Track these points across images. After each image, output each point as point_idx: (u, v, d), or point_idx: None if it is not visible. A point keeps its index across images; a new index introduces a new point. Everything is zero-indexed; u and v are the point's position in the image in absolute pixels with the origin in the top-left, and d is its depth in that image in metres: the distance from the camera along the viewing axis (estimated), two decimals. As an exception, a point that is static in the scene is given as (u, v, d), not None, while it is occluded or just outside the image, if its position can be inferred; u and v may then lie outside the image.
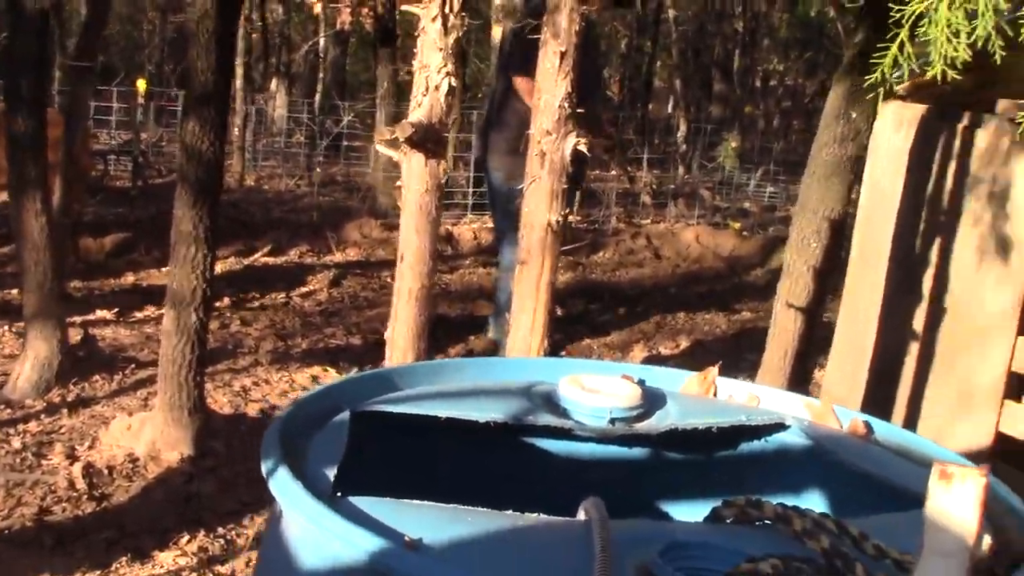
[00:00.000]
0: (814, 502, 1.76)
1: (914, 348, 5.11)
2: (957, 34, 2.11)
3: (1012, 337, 4.60)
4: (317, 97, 17.77)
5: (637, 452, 1.80)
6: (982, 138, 4.84)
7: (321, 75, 19.64)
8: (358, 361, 6.65)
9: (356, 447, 1.48)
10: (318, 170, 14.67)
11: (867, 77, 4.42)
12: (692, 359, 7.17)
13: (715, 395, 1.99)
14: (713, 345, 7.62)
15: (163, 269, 8.93)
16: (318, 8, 13.31)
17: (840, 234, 4.73)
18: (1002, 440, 4.63)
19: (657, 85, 25.06)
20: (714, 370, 1.99)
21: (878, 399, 4.92)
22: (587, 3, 3.28)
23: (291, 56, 20.68)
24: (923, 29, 2.15)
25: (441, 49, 3.16)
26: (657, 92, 25.20)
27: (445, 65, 3.17)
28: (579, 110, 3.32)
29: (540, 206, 3.32)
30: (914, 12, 2.17)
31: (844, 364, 5.55)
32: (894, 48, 2.24)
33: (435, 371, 1.85)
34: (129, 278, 8.70)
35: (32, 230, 5.39)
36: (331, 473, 1.37)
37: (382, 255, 10.14)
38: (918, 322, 5.09)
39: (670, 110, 22.67)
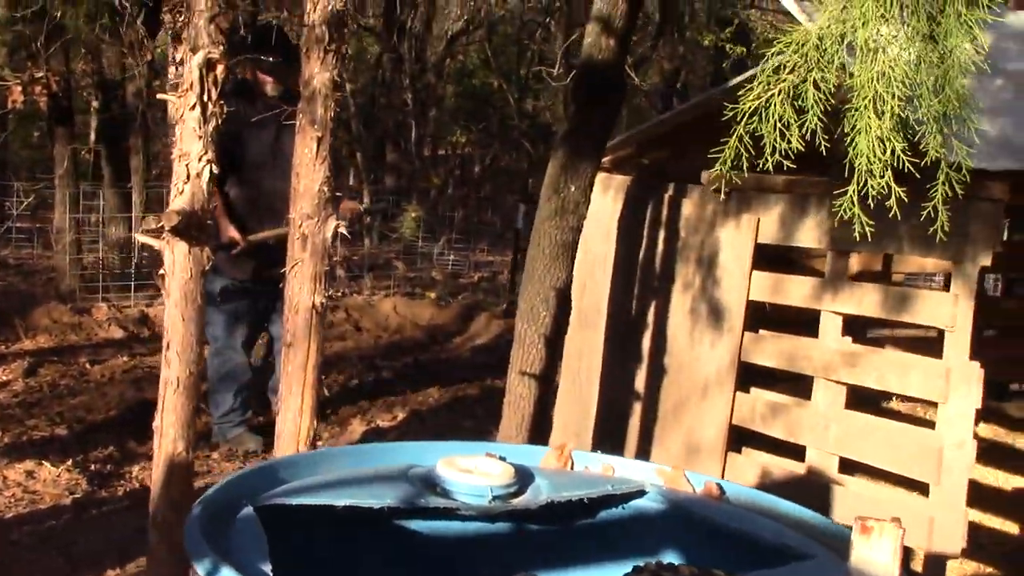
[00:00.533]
0: (680, 560, 1.87)
1: (638, 407, 5.39)
2: (788, 127, 2.30)
3: (731, 393, 4.94)
4: (-16, 178, 16.91)
5: (515, 526, 1.87)
6: (688, 207, 5.20)
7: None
8: (68, 452, 6.39)
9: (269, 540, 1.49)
10: (-14, 254, 13.97)
11: (580, 149, 4.68)
12: (411, 430, 7.25)
13: (572, 467, 2.09)
14: (430, 415, 7.74)
15: None
16: (-13, 87, 12.68)
17: (566, 302, 4.94)
18: (729, 488, 4.93)
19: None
20: (570, 445, 2.08)
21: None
22: (339, 90, 3.35)
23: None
24: (753, 124, 2.33)
25: (201, 137, 3.15)
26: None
27: (205, 152, 3.16)
28: (337, 193, 3.37)
29: (304, 288, 3.35)
30: (748, 109, 2.35)
31: (568, 426, 5.78)
32: (733, 142, 2.41)
33: (313, 461, 1.87)
34: None
35: None
36: (266, 568, 1.39)
37: (75, 340, 9.76)
38: (640, 382, 5.39)
39: (351, 182, 22.79)
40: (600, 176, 5.60)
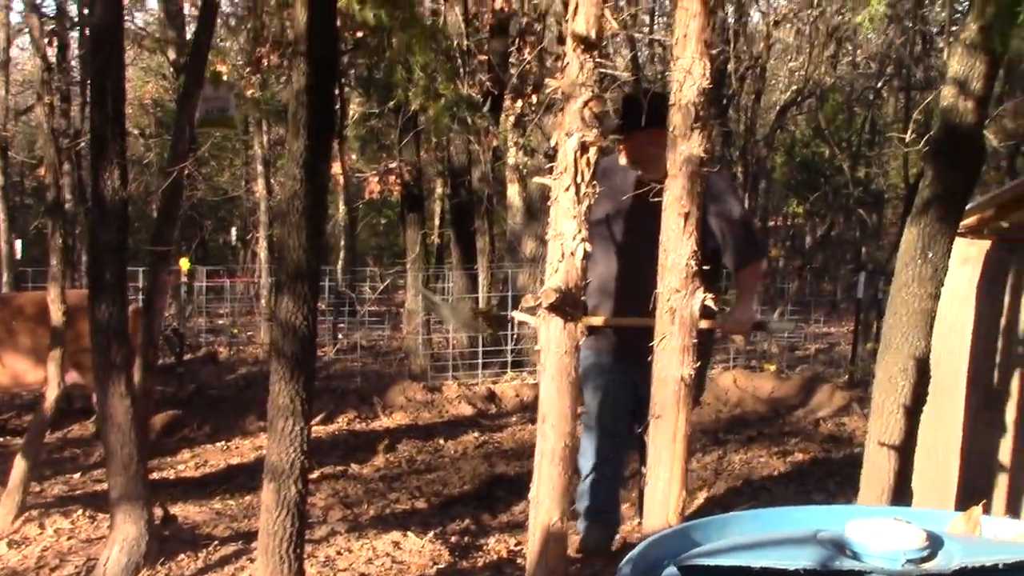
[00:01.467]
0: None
1: (1003, 478, 5.18)
2: None
3: (1111, 464, 4.69)
4: (340, 264, 18.02)
5: (929, 591, 1.89)
6: (1054, 270, 5.00)
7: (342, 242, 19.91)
8: (429, 524, 6.69)
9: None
10: (340, 336, 14.83)
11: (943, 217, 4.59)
12: (760, 505, 7.20)
13: (982, 532, 2.08)
14: (777, 489, 7.66)
15: (217, 444, 9.00)
16: (341, 180, 13.62)
17: (925, 371, 4.82)
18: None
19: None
20: (978, 509, 2.08)
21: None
22: (707, 165, 3.44)
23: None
24: None
25: (575, 217, 3.30)
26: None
27: (579, 232, 3.31)
28: (705, 267, 3.46)
29: (672, 361, 3.43)
30: None
31: (925, 501, 5.61)
32: None
33: (723, 525, 1.96)
34: (185, 455, 8.76)
35: (118, 413, 5.46)
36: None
37: (428, 418, 10.23)
38: (1004, 455, 5.18)
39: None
40: (958, 241, 5.46)
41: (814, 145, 21.83)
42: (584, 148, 3.21)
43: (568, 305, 3.32)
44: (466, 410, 10.50)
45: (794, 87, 20.40)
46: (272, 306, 4.96)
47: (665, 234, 3.40)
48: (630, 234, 5.45)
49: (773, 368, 12.39)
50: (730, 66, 18.22)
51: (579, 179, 3.24)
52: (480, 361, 11.77)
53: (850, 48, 20.98)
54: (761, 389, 11.27)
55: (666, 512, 3.53)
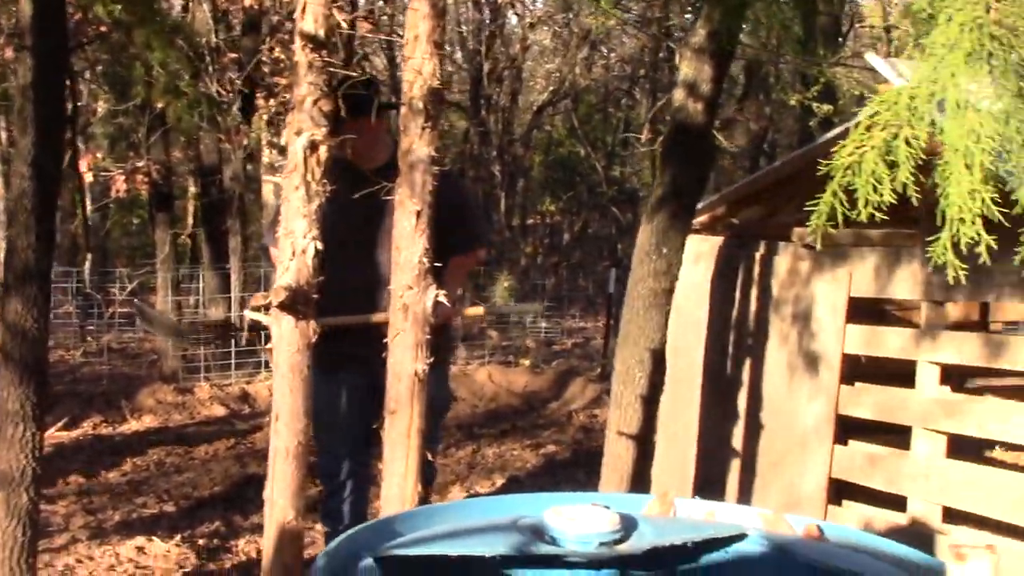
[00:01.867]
0: (783, 603, 1.95)
1: (736, 463, 5.42)
2: (881, 181, 2.39)
3: (829, 446, 4.96)
4: (87, 265, 17.40)
5: (621, 572, 1.96)
6: (781, 264, 5.26)
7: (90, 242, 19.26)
8: (176, 528, 6.54)
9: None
10: (89, 339, 14.35)
11: (678, 212, 4.77)
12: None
13: (675, 514, 2.17)
14: (528, 480, 7.80)
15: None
16: (89, 177, 13.18)
17: (661, 362, 5.00)
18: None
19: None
20: (672, 492, 2.16)
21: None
22: (437, 164, 3.48)
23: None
24: (847, 178, 2.43)
25: (305, 216, 3.29)
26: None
27: (310, 230, 3.30)
28: (437, 264, 3.50)
29: (406, 356, 3.46)
30: (843, 164, 2.45)
31: (667, 484, 5.81)
32: (828, 196, 2.50)
33: (428, 515, 1.98)
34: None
35: None
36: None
37: (179, 420, 10.01)
38: (738, 439, 5.42)
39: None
40: (692, 238, 5.68)
41: (570, 145, 22.30)
42: (314, 146, 3.20)
43: (299, 303, 3.31)
44: (218, 411, 10.31)
45: (551, 88, 20.80)
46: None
47: (397, 232, 3.42)
48: (360, 233, 5.22)
49: (528, 363, 12.60)
50: (487, 67, 18.48)
51: (309, 177, 3.23)
52: (233, 361, 11.56)
53: (604, 51, 21.52)
54: (516, 383, 11.45)
55: (402, 506, 3.56)
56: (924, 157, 2.47)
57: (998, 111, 2.35)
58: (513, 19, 20.26)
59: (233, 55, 11.23)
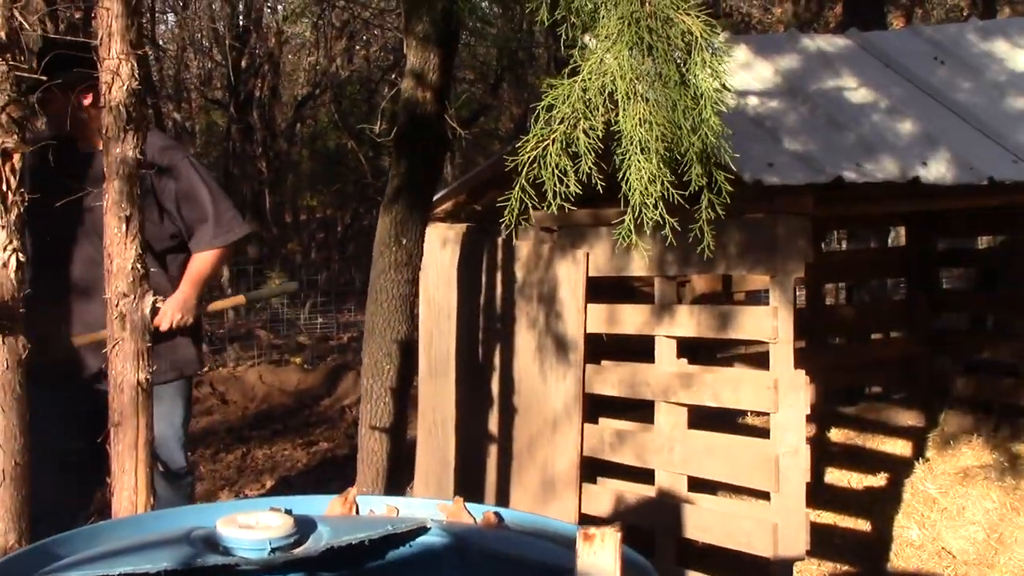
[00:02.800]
0: (465, 593, 1.95)
1: (494, 449, 5.46)
2: (566, 173, 2.42)
3: (579, 425, 5.04)
4: None
5: (300, 576, 1.92)
6: (523, 248, 5.31)
7: None
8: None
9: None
10: None
11: (414, 203, 4.76)
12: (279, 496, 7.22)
13: (357, 512, 2.14)
14: (297, 480, 7.71)
15: None
16: None
17: (410, 353, 4.99)
18: (584, 520, 5.04)
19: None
20: (353, 490, 2.14)
21: (468, 500, 5.19)
22: (143, 167, 3.38)
23: None
24: (534, 171, 2.46)
25: (3, 227, 3.14)
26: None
27: (10, 242, 3.16)
28: (152, 269, 3.40)
29: (128, 366, 3.35)
30: (528, 159, 2.47)
31: (429, 476, 5.83)
32: (516, 192, 2.53)
33: (93, 535, 1.89)
34: None
35: None
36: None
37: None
38: (493, 424, 5.46)
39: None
40: (437, 226, 5.69)
41: (335, 137, 22.10)
42: (6, 155, 3.06)
43: (4, 318, 3.16)
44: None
45: (313, 81, 20.60)
46: None
47: (107, 238, 3.30)
48: (72, 229, 4.81)
49: (299, 360, 12.45)
50: (244, 62, 18.16)
51: (4, 188, 3.08)
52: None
53: (365, 39, 21.41)
54: (288, 382, 11.30)
55: (138, 522, 3.45)
56: (604, 145, 2.53)
57: (664, 99, 2.42)
58: (268, 12, 19.98)
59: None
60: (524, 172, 2.58)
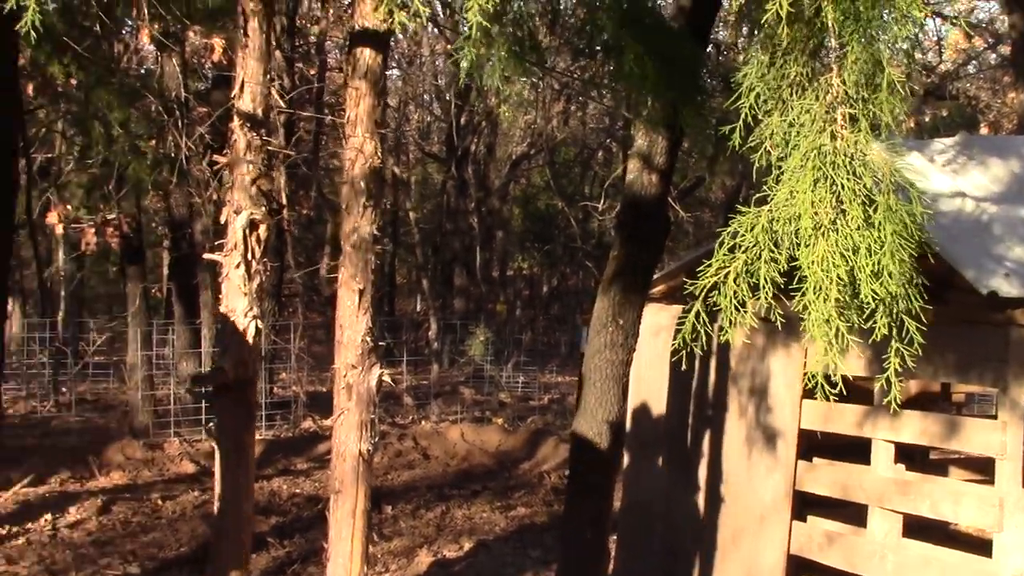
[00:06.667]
0: None
1: (697, 534, 5.36)
2: (744, 304, 2.40)
3: (787, 522, 4.91)
4: (60, 315, 17.32)
5: None
6: (738, 337, 5.21)
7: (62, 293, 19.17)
8: (138, 591, 6.49)
9: None
10: (64, 390, 14.26)
11: (632, 286, 4.74)
12: (478, 561, 7.25)
13: None
14: (496, 545, 7.72)
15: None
16: (60, 229, 13.10)
17: (619, 433, 4.95)
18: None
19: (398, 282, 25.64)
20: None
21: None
22: (379, 243, 3.45)
23: (22, 274, 20.10)
24: (714, 297, 2.45)
25: (246, 294, 3.25)
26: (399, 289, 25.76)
27: (251, 309, 3.26)
28: (380, 343, 3.46)
29: (351, 436, 3.41)
30: (706, 285, 2.45)
31: (631, 548, 5.77)
32: (691, 318, 2.51)
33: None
34: None
35: None
36: None
37: (147, 476, 9.90)
38: (699, 509, 5.37)
39: (417, 307, 23.10)
40: (651, 307, 5.64)
41: (547, 198, 22.32)
42: (253, 225, 3.17)
43: (240, 382, 3.26)
44: (188, 468, 10.21)
45: (528, 141, 20.85)
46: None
47: (341, 310, 3.38)
48: None
49: (501, 421, 12.53)
50: (462, 119, 18.51)
51: (249, 256, 3.20)
52: (203, 417, 11.48)
53: (582, 102, 21.59)
54: (488, 442, 11.37)
55: (348, 589, 3.50)
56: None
57: (846, 240, 2.36)
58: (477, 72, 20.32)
59: (203, 108, 11.21)
60: (702, 296, 2.55)
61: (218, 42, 8.33)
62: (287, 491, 9.27)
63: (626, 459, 5.87)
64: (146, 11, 6.04)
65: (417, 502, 9.00)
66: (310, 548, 7.54)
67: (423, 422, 12.44)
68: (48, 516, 8.31)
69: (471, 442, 11.34)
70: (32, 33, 2.71)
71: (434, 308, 19.21)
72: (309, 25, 12.79)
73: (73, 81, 7.63)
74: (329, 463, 9.70)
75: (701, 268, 2.57)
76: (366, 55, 3.26)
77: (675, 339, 2.65)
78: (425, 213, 23.03)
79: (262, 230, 3.21)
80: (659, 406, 5.68)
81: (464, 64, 2.78)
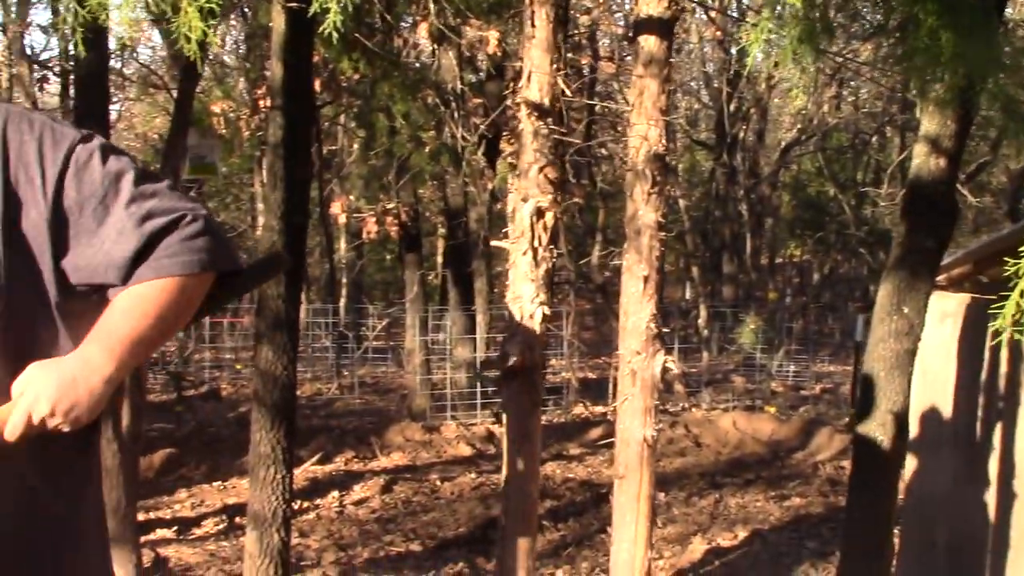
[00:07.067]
0: None
1: (987, 532, 5.16)
2: None
3: (1088, 521, 4.66)
4: (343, 301, 18.05)
5: None
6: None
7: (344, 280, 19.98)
8: (422, 567, 6.70)
9: None
10: (346, 373, 14.86)
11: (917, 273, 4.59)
12: (753, 551, 7.18)
13: None
14: (772, 535, 7.62)
15: (214, 484, 9.01)
16: (342, 219, 13.68)
17: (904, 426, 4.81)
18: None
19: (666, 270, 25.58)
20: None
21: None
22: (664, 229, 3.46)
23: (306, 261, 21.02)
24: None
25: (533, 280, 3.31)
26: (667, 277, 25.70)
27: (537, 295, 3.32)
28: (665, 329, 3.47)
29: (635, 422, 3.44)
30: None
31: (913, 546, 5.61)
32: (1015, 296, 2.39)
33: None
34: (182, 495, 8.76)
35: (105, 457, 5.47)
36: None
37: (427, 457, 10.23)
38: (989, 507, 5.16)
39: (687, 295, 23.02)
40: (936, 295, 5.45)
41: (818, 184, 21.84)
42: (540, 213, 3.23)
43: (527, 368, 3.33)
44: (464, 451, 10.49)
45: (798, 127, 20.45)
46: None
47: (625, 296, 3.41)
48: None
49: (773, 410, 12.35)
50: (732, 106, 18.30)
51: (536, 243, 3.26)
52: (479, 401, 11.77)
53: (854, 86, 21.03)
54: (761, 431, 11.23)
55: (631, 572, 3.53)
56: None
57: None
58: (759, 56, 20.00)
59: (478, 100, 11.45)
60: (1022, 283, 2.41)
61: (493, 34, 8.51)
62: (560, 475, 9.39)
63: (909, 453, 5.70)
64: (431, 5, 6.24)
65: (690, 489, 8.99)
66: (583, 532, 7.64)
67: (694, 409, 12.39)
68: (335, 493, 8.70)
69: (743, 430, 11.22)
70: (332, 34, 2.84)
71: (703, 295, 19.09)
72: (579, 16, 12.88)
73: (356, 76, 7.99)
74: (601, 449, 9.85)
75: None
76: (650, 42, 3.28)
77: (991, 325, 2.52)
78: (694, 200, 22.89)
79: (548, 217, 3.27)
80: (944, 396, 5.49)
81: (753, 49, 2.75)
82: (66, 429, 1.83)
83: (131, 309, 1.88)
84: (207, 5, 2.86)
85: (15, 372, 1.82)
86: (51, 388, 1.80)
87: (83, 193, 1.84)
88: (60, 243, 1.84)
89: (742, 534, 7.63)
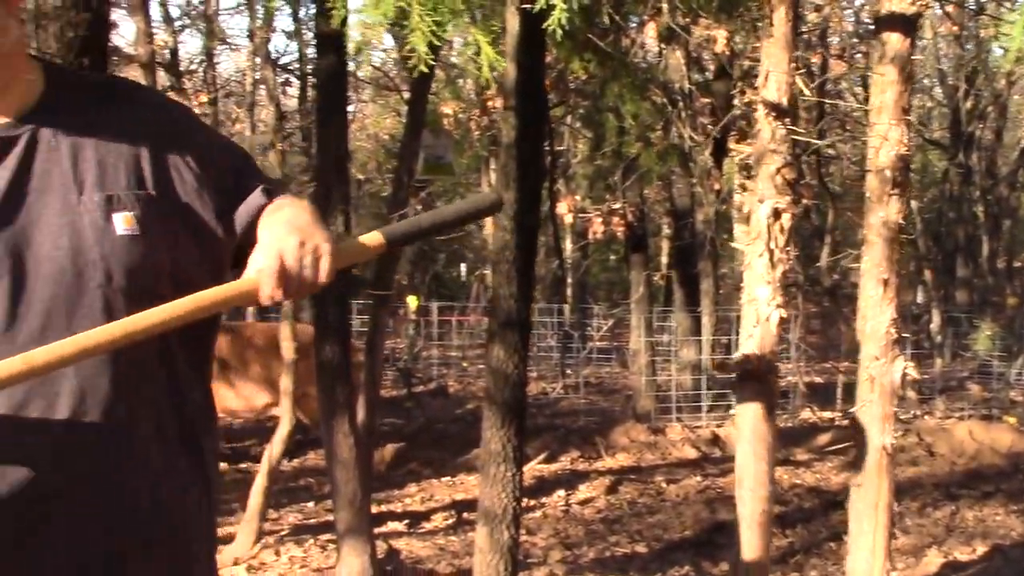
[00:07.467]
0: None
1: None
2: None
3: None
4: (569, 300, 18.16)
5: None
6: None
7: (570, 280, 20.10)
8: (647, 569, 6.69)
9: None
10: (570, 373, 14.95)
11: None
12: (992, 567, 6.90)
13: None
14: (1013, 551, 7.30)
15: (443, 479, 9.20)
16: (569, 219, 13.79)
17: None
18: None
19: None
20: None
21: None
22: (905, 232, 3.35)
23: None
24: None
25: (769, 282, 3.27)
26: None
27: (774, 298, 3.28)
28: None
29: (873, 429, 3.36)
30: None
31: None
32: None
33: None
34: (412, 488, 8.96)
35: (342, 450, 5.66)
36: None
37: (651, 459, 10.19)
38: None
39: (919, 299, 22.31)
40: None
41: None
42: (777, 214, 3.18)
43: (763, 371, 3.29)
44: (689, 453, 10.41)
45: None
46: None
47: (863, 300, 3.33)
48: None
49: (1013, 420, 11.83)
50: (968, 104, 17.66)
51: (772, 245, 3.21)
52: (704, 404, 11.68)
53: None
54: (999, 442, 10.76)
55: (868, 583, 3.45)
56: None
57: None
58: (997, 52, 19.21)
59: (705, 99, 11.35)
60: None
61: (721, 33, 8.43)
62: (788, 481, 9.23)
63: None
64: (665, 5, 6.23)
65: (924, 500, 8.69)
66: (812, 540, 7.48)
67: (926, 417, 11.99)
68: (561, 492, 8.77)
69: (980, 441, 10.77)
70: (558, 31, 2.86)
71: (936, 300, 18.47)
72: (808, 13, 12.64)
73: (585, 77, 8.05)
74: (830, 455, 9.60)
75: None
76: (893, 40, 3.19)
77: None
78: (926, 202, 22.16)
79: (785, 219, 3.22)
80: None
81: (1016, 44, 2.65)
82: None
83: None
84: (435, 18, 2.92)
85: None
86: (322, 231, 1.72)
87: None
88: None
89: (981, 549, 7.33)
